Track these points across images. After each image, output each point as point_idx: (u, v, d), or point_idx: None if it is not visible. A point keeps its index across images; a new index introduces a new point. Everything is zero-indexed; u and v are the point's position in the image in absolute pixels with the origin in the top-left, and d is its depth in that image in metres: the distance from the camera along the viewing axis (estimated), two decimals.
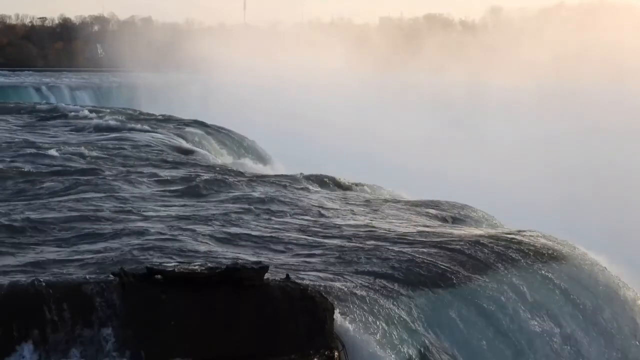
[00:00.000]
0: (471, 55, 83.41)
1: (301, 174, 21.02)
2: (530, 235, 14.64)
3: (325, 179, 20.80)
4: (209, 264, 10.33)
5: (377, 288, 11.24)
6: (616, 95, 63.70)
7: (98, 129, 30.29)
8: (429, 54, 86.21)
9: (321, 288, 10.44)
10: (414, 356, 10.29)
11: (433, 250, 12.93)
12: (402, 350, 10.22)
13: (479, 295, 11.97)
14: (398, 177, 29.83)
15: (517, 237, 14.40)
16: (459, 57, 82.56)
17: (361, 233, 14.09)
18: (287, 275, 10.29)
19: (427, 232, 14.34)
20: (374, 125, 55.06)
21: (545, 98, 66.48)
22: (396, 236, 13.87)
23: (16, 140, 26.20)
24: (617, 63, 70.42)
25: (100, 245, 12.29)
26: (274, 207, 15.95)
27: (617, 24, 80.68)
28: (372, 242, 13.39)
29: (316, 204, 16.77)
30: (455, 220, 16.50)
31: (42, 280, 9.47)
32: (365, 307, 10.55)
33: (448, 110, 62.91)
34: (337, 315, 10.02)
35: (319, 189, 19.65)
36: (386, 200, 18.31)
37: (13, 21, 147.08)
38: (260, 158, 31.40)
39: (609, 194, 39.78)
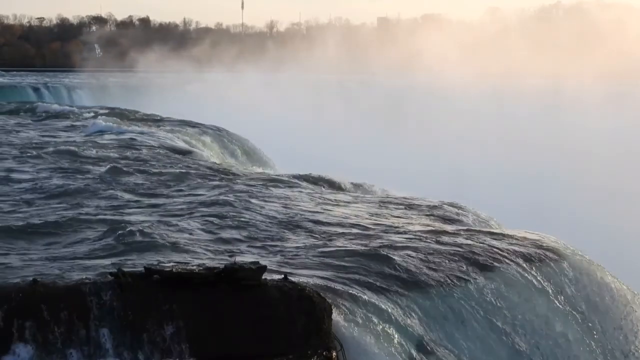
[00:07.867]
0: None
1: (300, 174, 21.04)
2: (529, 236, 14.66)
3: (323, 180, 20.82)
4: (206, 264, 10.33)
5: (375, 288, 11.22)
6: None
7: (95, 129, 30.24)
8: None
9: (319, 288, 10.42)
10: (412, 356, 10.27)
11: (432, 250, 12.92)
12: (400, 350, 10.21)
13: (478, 295, 11.97)
14: (396, 178, 29.84)
15: (516, 237, 14.42)
16: None
17: (359, 233, 14.07)
18: (285, 276, 10.27)
19: (427, 231, 14.33)
20: None
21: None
22: (395, 236, 13.85)
23: (12, 140, 26.15)
24: None
25: (97, 246, 12.26)
26: (272, 207, 15.92)
27: None
28: (371, 241, 13.37)
29: (314, 204, 16.76)
30: (455, 221, 16.49)
31: (39, 280, 9.44)
32: (363, 307, 10.53)
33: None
34: (335, 315, 10.00)
35: (317, 189, 19.63)
36: (385, 200, 18.29)
37: (11, 21, 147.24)
38: (261, 160, 31.38)
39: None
